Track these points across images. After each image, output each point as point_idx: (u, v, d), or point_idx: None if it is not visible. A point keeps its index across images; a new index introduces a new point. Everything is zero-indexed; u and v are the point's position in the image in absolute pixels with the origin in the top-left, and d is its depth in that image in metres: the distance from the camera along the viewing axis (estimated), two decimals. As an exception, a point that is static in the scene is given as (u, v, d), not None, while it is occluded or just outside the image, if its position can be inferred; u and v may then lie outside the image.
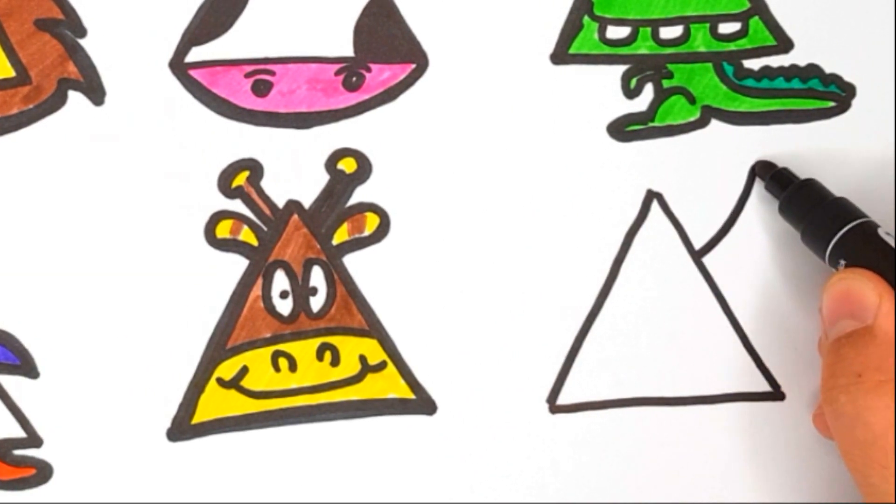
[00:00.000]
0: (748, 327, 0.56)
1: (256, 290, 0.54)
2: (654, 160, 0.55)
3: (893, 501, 0.47)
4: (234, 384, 0.54)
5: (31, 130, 0.52)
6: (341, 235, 0.54)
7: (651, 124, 0.55)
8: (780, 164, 0.55)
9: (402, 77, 0.54)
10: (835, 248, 0.52)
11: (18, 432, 0.53)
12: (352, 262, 0.54)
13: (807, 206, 0.53)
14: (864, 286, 0.50)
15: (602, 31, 0.54)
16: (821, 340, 0.53)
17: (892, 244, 0.51)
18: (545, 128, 0.54)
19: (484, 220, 0.54)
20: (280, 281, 0.54)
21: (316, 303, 0.54)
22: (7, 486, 0.53)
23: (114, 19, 0.52)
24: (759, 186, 0.55)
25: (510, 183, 0.54)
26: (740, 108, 0.55)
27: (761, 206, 0.56)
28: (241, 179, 0.53)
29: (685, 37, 0.55)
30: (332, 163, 0.54)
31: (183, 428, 0.54)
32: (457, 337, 0.55)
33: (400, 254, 0.54)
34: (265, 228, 0.54)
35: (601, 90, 0.55)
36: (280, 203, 0.54)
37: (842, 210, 0.52)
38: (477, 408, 0.55)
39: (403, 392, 0.55)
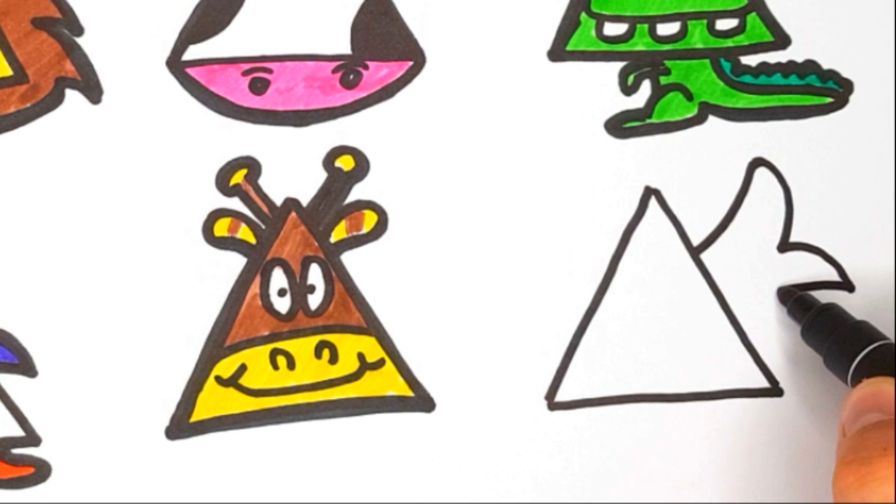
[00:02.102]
0: (746, 324, 0.56)
1: (254, 288, 0.54)
2: (652, 157, 0.55)
3: None
4: (232, 382, 0.54)
5: (29, 129, 0.52)
6: (339, 233, 0.54)
7: (649, 121, 0.55)
8: (778, 160, 0.55)
9: (399, 74, 0.54)
10: (856, 370, 0.52)
11: (17, 431, 0.53)
12: (350, 259, 0.54)
13: (827, 330, 0.54)
14: (889, 385, 0.50)
15: (599, 27, 0.54)
16: (838, 443, 0.51)
17: None
18: (543, 125, 0.54)
19: (482, 217, 0.54)
20: (278, 279, 0.54)
21: (314, 300, 0.54)
22: (5, 485, 0.53)
23: (111, 18, 0.52)
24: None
25: (508, 180, 0.54)
26: (738, 105, 0.55)
27: (761, 208, 0.56)
28: (238, 177, 0.53)
29: (682, 33, 0.55)
30: (329, 160, 0.54)
31: (181, 426, 0.54)
32: (455, 334, 0.55)
33: (398, 251, 0.54)
34: (263, 226, 0.54)
35: (598, 87, 0.55)
36: (278, 201, 0.54)
37: (862, 333, 0.53)
38: (475, 405, 0.55)
39: (402, 389, 0.55)
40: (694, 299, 0.56)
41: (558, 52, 0.54)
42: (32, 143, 0.52)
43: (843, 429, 0.51)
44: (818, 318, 0.54)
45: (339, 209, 0.54)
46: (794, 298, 0.55)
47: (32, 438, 0.53)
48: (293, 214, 0.54)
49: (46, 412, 0.53)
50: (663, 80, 0.55)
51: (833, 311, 0.54)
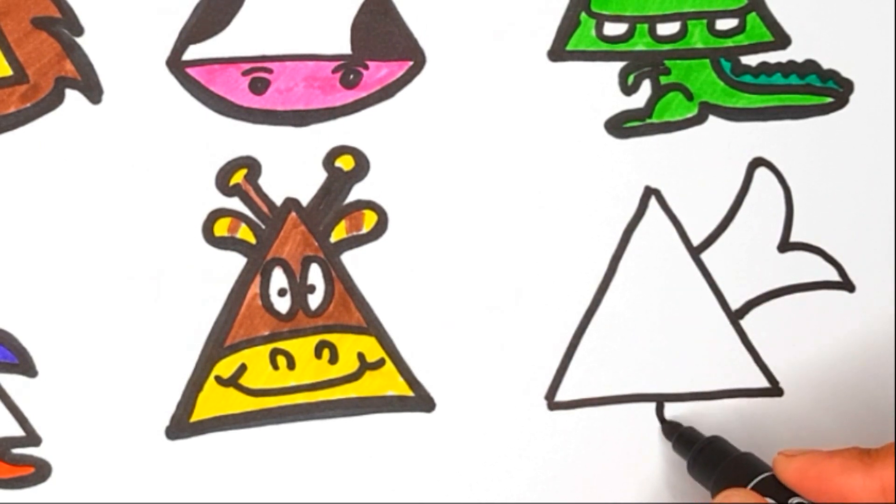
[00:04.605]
0: (746, 323, 0.56)
1: (254, 288, 0.54)
2: (652, 157, 0.55)
3: None
4: (232, 382, 0.54)
5: (29, 129, 0.52)
6: (339, 233, 0.54)
7: (649, 121, 0.55)
8: (778, 160, 0.55)
9: (399, 74, 0.54)
10: None
11: (17, 431, 0.53)
12: (350, 259, 0.54)
13: (713, 464, 0.53)
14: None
15: (599, 27, 0.54)
16: None
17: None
18: (543, 125, 0.54)
19: (482, 216, 0.54)
20: (278, 279, 0.54)
21: (314, 300, 0.54)
22: (6, 485, 0.53)
23: (111, 18, 0.52)
24: (752, 197, 0.56)
25: (508, 180, 0.54)
26: (738, 105, 0.55)
27: (761, 208, 0.56)
28: (238, 177, 0.53)
29: (682, 33, 0.55)
30: (329, 160, 0.54)
31: (182, 426, 0.54)
32: (455, 334, 0.55)
33: (398, 251, 0.54)
34: (263, 226, 0.54)
35: (599, 87, 0.55)
36: (278, 201, 0.54)
37: (748, 465, 0.52)
38: (475, 405, 0.55)
39: (402, 389, 0.55)
40: (694, 299, 0.56)
41: (558, 52, 0.54)
42: (32, 143, 0.52)
43: None
44: (703, 451, 0.54)
45: (339, 209, 0.54)
46: (679, 433, 0.55)
47: (32, 438, 0.53)
48: (293, 214, 0.54)
49: (46, 412, 0.53)
50: (663, 79, 0.55)
51: (717, 444, 0.54)
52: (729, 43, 0.55)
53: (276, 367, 0.54)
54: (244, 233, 0.54)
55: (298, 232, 0.54)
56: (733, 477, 0.52)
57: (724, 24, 0.55)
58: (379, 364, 0.54)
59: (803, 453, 0.50)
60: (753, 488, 0.51)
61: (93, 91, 0.52)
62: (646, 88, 0.55)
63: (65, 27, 0.52)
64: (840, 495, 0.48)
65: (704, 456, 0.53)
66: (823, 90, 0.55)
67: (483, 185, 0.54)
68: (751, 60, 0.55)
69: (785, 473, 0.50)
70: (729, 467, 0.52)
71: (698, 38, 0.55)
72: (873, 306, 0.57)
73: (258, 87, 0.53)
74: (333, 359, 0.54)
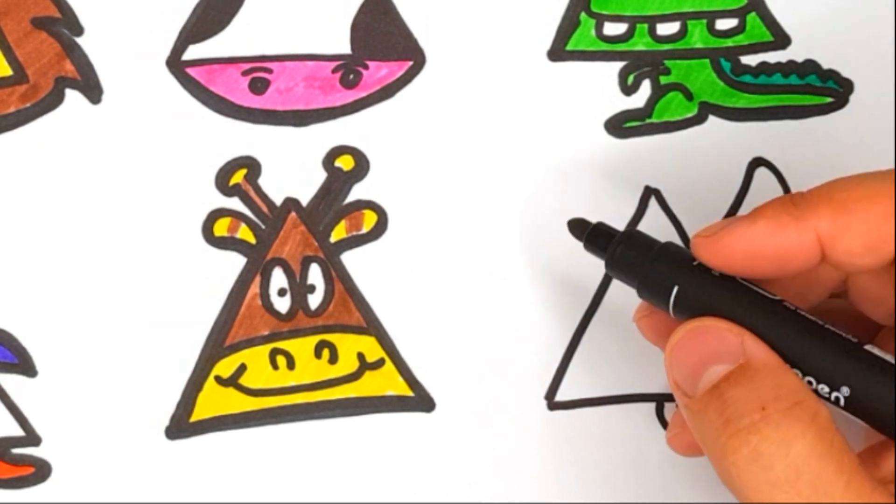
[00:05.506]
0: (746, 323, 0.56)
1: (254, 288, 0.54)
2: (652, 157, 0.55)
3: None
4: (232, 382, 0.54)
5: (29, 129, 0.52)
6: (339, 233, 0.54)
7: (648, 121, 0.55)
8: (778, 160, 0.55)
9: (399, 74, 0.54)
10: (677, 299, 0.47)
11: (17, 431, 0.53)
12: (349, 259, 0.54)
13: (635, 261, 0.49)
14: (717, 327, 0.45)
15: (599, 27, 0.54)
16: (679, 406, 0.46)
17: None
18: (543, 125, 0.54)
19: (481, 217, 0.54)
20: (278, 279, 0.54)
21: (314, 300, 0.54)
22: (5, 485, 0.53)
23: (111, 17, 0.52)
24: (760, 183, 0.56)
25: (508, 180, 0.54)
26: (738, 105, 0.55)
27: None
28: (238, 177, 0.53)
29: (682, 33, 0.55)
30: (329, 160, 0.54)
31: (181, 426, 0.54)
32: (455, 334, 0.55)
33: (397, 251, 0.54)
34: (263, 226, 0.54)
35: (598, 87, 0.55)
36: (278, 201, 0.54)
37: (672, 257, 0.48)
38: (475, 405, 0.55)
39: (401, 389, 0.55)
40: (694, 299, 0.56)
41: (558, 52, 0.54)
42: (32, 143, 0.52)
43: (682, 387, 0.45)
44: (622, 247, 0.49)
45: (339, 209, 0.54)
46: (589, 231, 0.50)
47: (32, 438, 0.53)
48: (293, 214, 0.54)
49: (46, 412, 0.53)
50: (663, 79, 0.55)
51: (637, 238, 0.49)
52: (729, 43, 0.55)
53: (275, 366, 0.54)
54: (244, 233, 0.54)
55: (298, 232, 0.54)
56: (659, 275, 0.47)
57: (723, 24, 0.55)
58: (379, 364, 0.54)
59: (721, 227, 0.44)
60: (680, 284, 0.46)
61: (93, 91, 0.52)
62: (646, 88, 0.55)
63: (65, 27, 0.52)
64: (777, 258, 0.43)
65: (623, 253, 0.49)
66: (823, 90, 0.56)
67: (483, 185, 0.54)
68: (751, 60, 0.55)
69: (708, 255, 0.45)
70: (653, 264, 0.48)
71: (698, 38, 0.55)
72: (873, 306, 0.57)
73: (258, 87, 0.53)
74: (333, 359, 0.54)
